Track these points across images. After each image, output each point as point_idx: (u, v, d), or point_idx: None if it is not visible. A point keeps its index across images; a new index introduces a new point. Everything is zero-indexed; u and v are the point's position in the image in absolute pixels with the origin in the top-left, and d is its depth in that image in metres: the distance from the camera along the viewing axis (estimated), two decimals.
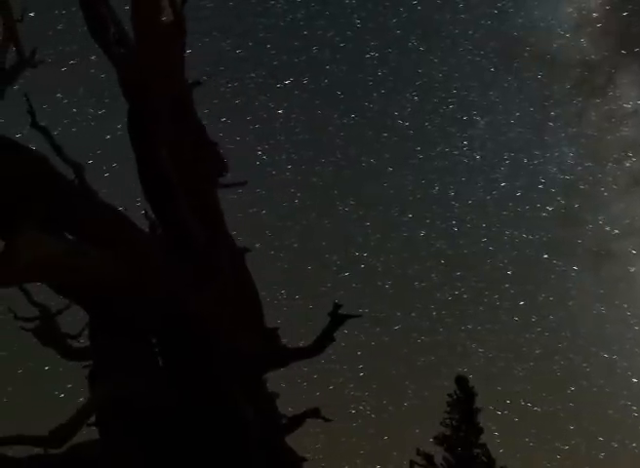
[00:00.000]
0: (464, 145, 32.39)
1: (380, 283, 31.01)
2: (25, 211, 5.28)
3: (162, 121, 6.84)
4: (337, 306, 7.04)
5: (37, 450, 6.83)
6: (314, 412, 7.52)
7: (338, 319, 7.06)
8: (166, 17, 7.22)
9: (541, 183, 32.38)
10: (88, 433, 6.85)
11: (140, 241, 6.10)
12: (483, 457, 24.37)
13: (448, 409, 25.55)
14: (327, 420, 7.49)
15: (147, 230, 7.05)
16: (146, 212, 6.71)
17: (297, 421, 7.51)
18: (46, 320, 9.61)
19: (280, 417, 7.38)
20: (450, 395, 25.58)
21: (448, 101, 32.06)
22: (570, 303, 31.63)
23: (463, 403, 25.28)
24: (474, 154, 32.73)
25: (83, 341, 10.02)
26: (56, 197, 5.87)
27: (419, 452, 24.41)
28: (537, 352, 30.74)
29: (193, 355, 6.01)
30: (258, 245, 29.96)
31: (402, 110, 32.12)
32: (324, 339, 7.10)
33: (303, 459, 7.27)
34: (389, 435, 27.54)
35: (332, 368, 29.06)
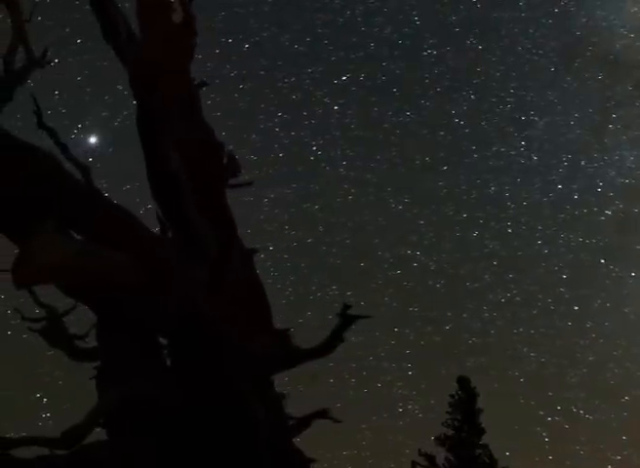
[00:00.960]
0: (521, 146, 32.02)
1: (431, 282, 30.97)
2: (40, 211, 5.28)
3: (171, 120, 6.85)
4: (346, 307, 7.03)
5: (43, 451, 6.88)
6: (323, 413, 7.51)
7: (347, 319, 7.07)
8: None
9: (600, 187, 31.81)
10: (94, 433, 6.88)
11: (151, 241, 6.10)
12: (485, 458, 24.38)
13: (449, 409, 25.59)
14: (336, 421, 7.47)
15: (157, 231, 7.05)
16: (157, 212, 6.70)
17: (305, 422, 7.51)
18: (53, 321, 9.63)
19: (287, 418, 7.38)
20: (452, 395, 25.60)
21: (505, 101, 31.81)
22: (626, 310, 30.99)
23: (465, 403, 25.29)
24: (531, 155, 32.37)
25: (89, 341, 10.06)
26: (67, 197, 5.87)
27: (420, 453, 24.43)
28: (590, 359, 30.37)
29: (205, 355, 6.01)
30: (310, 240, 30.12)
31: (458, 109, 31.92)
32: (334, 340, 7.10)
33: (312, 460, 7.27)
34: (436, 435, 27.48)
35: (381, 365, 29.08)
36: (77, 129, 26.26)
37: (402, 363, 29.38)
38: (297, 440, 7.25)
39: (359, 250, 30.24)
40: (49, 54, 7.48)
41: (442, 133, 31.45)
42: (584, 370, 30.22)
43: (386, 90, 31.35)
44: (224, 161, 7.19)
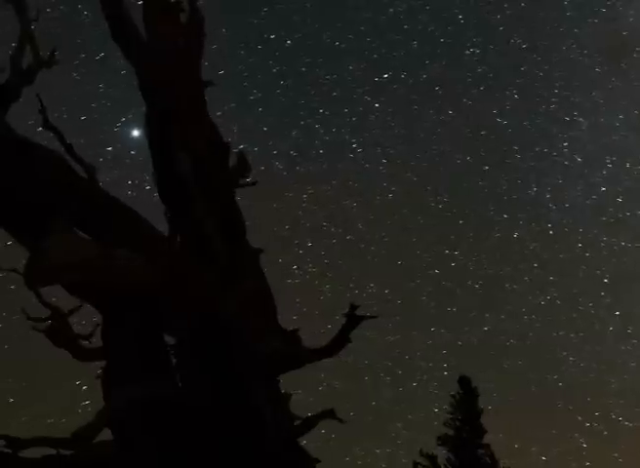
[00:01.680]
0: (565, 147, 31.57)
1: (470, 282, 30.73)
2: (50, 211, 5.29)
3: (179, 121, 6.86)
4: (353, 307, 7.08)
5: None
6: (329, 414, 7.51)
7: (354, 320, 7.10)
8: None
9: None
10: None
11: (161, 242, 6.11)
12: (487, 458, 24.42)
13: (451, 409, 25.63)
14: (341, 421, 7.47)
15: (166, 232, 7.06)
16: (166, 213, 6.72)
17: (310, 423, 7.50)
18: (58, 320, 9.60)
19: (292, 418, 7.39)
20: (453, 396, 25.64)
21: (549, 101, 31.27)
22: None
23: (467, 403, 25.33)
24: (575, 156, 31.82)
25: (94, 342, 10.05)
26: (75, 197, 5.88)
27: (422, 453, 24.48)
28: (632, 364, 30.07)
29: (216, 355, 6.01)
30: (348, 237, 30.18)
31: (501, 108, 31.74)
32: (341, 340, 7.13)
33: (317, 460, 7.27)
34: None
35: (416, 364, 28.90)
36: (121, 122, 26.44)
37: (438, 363, 29.25)
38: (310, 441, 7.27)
39: (397, 248, 30.21)
40: (57, 54, 7.46)
41: (484, 132, 31.05)
42: (625, 377, 30.03)
43: (428, 88, 31.06)
44: (234, 161, 7.17)
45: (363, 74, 30.51)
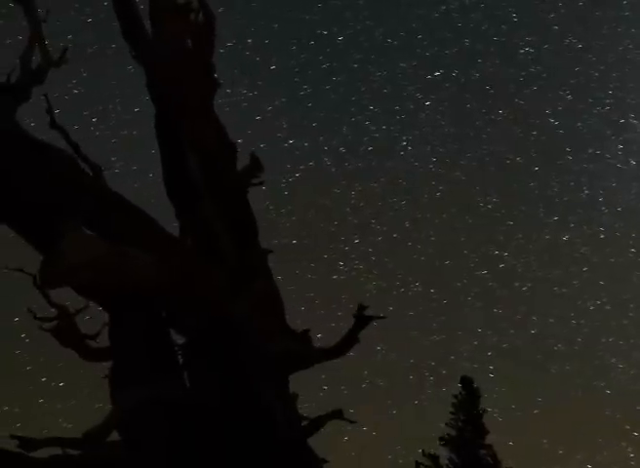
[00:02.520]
0: (618, 149, 31.15)
1: (517, 284, 30.53)
2: (68, 211, 5.30)
3: (188, 121, 6.87)
4: (361, 307, 7.10)
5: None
6: (337, 414, 7.50)
7: (363, 320, 7.12)
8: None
9: None
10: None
11: (171, 242, 6.11)
12: (489, 458, 24.42)
13: (452, 409, 25.63)
14: (351, 422, 7.47)
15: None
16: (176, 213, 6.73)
17: (318, 423, 7.50)
18: (64, 320, 9.60)
19: (300, 418, 7.39)
20: (455, 396, 25.64)
21: (603, 102, 31.30)
22: None
23: (469, 404, 25.32)
24: (629, 159, 31.51)
25: (101, 341, 10.05)
26: (85, 197, 5.88)
27: (424, 453, 24.48)
28: None
29: (227, 355, 6.02)
30: (395, 235, 30.19)
31: (554, 109, 31.34)
32: (349, 340, 7.14)
33: (324, 461, 7.27)
34: (514, 441, 26.94)
35: (461, 365, 28.70)
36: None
37: (483, 364, 29.26)
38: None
39: (444, 247, 30.09)
40: (67, 54, 7.47)
41: (535, 132, 30.79)
42: None
43: (480, 87, 30.88)
44: (246, 162, 7.17)
45: (414, 72, 30.58)
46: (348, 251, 29.59)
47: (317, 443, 6.94)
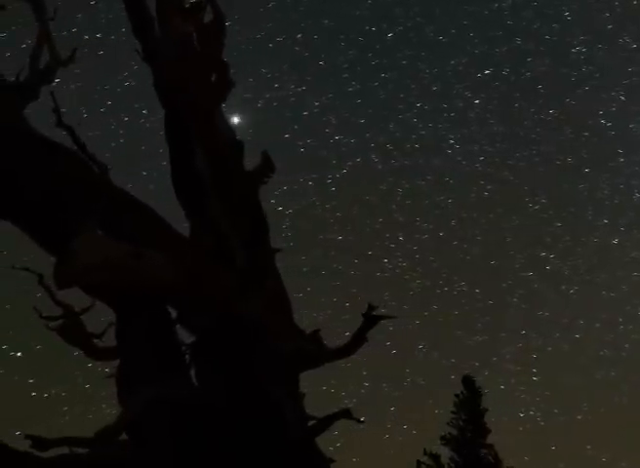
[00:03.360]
0: None
1: (564, 287, 30.27)
2: (82, 211, 5.29)
3: (197, 121, 6.86)
4: (371, 307, 7.08)
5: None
6: (345, 414, 7.48)
7: (371, 320, 7.10)
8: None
9: None
10: None
11: (184, 241, 6.11)
12: (490, 458, 24.43)
13: (454, 409, 25.64)
14: (359, 421, 7.45)
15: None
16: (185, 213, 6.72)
17: (326, 422, 7.48)
18: (71, 319, 9.60)
19: (307, 418, 7.38)
20: (457, 395, 25.65)
21: None
22: None
23: (470, 403, 25.33)
24: None
25: (105, 341, 10.05)
26: (96, 197, 5.87)
27: (426, 452, 24.49)
28: None
29: (237, 354, 6.01)
30: (441, 233, 30.07)
31: (606, 109, 31.08)
32: (357, 340, 7.13)
33: (332, 460, 7.27)
34: (557, 445, 26.94)
35: (504, 367, 29.08)
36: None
37: (526, 367, 28.93)
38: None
39: (490, 247, 30.01)
40: (77, 53, 7.46)
41: (586, 133, 30.55)
42: None
43: (530, 86, 30.47)
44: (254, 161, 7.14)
45: (464, 69, 30.34)
46: (393, 248, 29.67)
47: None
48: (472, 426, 25.04)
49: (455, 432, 25.12)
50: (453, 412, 25.50)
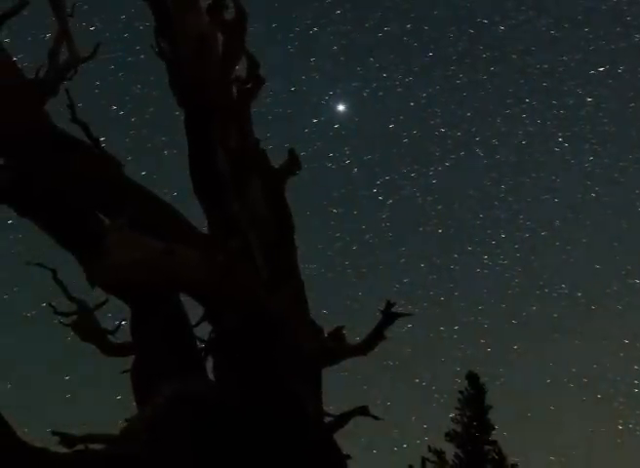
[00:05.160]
0: None
1: None
2: (114, 209, 5.29)
3: (218, 118, 6.87)
4: (389, 304, 7.11)
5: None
6: (362, 410, 7.51)
7: (389, 317, 7.14)
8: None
9: None
10: None
11: (212, 240, 6.11)
12: (494, 454, 24.49)
13: (458, 406, 25.69)
14: (376, 418, 7.47)
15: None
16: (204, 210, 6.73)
17: (344, 419, 7.50)
18: (84, 315, 9.61)
19: (324, 415, 7.40)
20: (461, 392, 25.70)
21: None
22: None
23: (475, 400, 25.38)
24: None
25: (118, 337, 10.07)
26: (131, 195, 5.89)
27: (430, 449, 24.54)
28: None
29: (261, 353, 6.02)
30: (544, 233, 29.15)
31: None
32: (375, 337, 7.16)
33: (348, 457, 7.29)
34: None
35: (604, 376, 28.29)
36: (328, 95, 26.90)
37: (629, 377, 28.75)
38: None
39: (595, 251, 29.15)
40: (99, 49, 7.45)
41: None
42: None
43: None
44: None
45: (577, 66, 29.29)
46: (494, 245, 29.35)
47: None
48: (476, 423, 25.10)
49: (459, 429, 25.17)
50: (457, 409, 25.57)
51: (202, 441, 6.45)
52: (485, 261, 28.99)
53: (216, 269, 5.40)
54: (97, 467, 6.39)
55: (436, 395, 27.45)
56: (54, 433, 5.66)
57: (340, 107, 26.30)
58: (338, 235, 30.04)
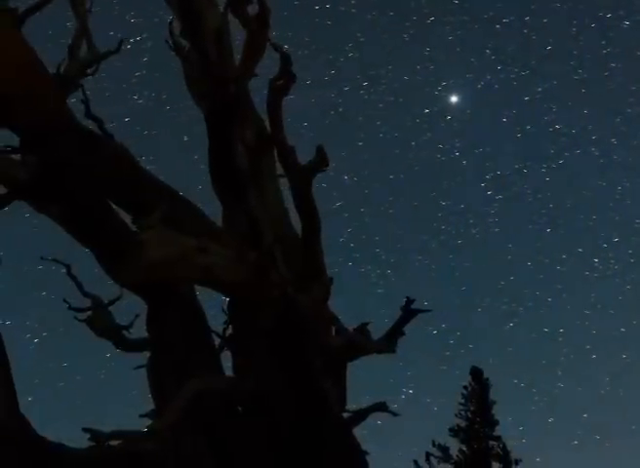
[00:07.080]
0: None
1: None
2: (148, 206, 5.28)
3: (236, 115, 6.87)
4: (409, 301, 7.14)
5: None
6: (381, 406, 7.53)
7: (409, 313, 7.17)
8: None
9: None
10: None
11: (242, 238, 6.10)
12: (498, 450, 24.47)
13: (462, 401, 25.66)
14: (395, 415, 7.50)
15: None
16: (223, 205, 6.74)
17: (362, 414, 7.52)
18: (99, 310, 9.61)
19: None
20: (465, 387, 25.67)
21: None
22: None
23: (478, 395, 25.35)
24: None
25: (132, 333, 10.07)
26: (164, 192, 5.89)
27: (434, 444, 24.53)
28: None
29: (290, 349, 6.03)
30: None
31: None
32: (395, 333, 7.19)
33: (366, 452, 7.32)
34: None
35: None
36: (441, 86, 26.22)
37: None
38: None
39: None
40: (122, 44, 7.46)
41: None
42: None
43: None
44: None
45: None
46: (605, 248, 27.86)
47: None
48: (480, 418, 25.07)
49: (463, 424, 25.15)
50: (461, 404, 25.53)
51: (224, 436, 6.47)
52: (595, 264, 28.48)
53: (250, 268, 5.39)
54: (110, 463, 6.39)
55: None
56: (84, 429, 5.65)
57: (453, 99, 25.91)
58: (443, 227, 29.51)
